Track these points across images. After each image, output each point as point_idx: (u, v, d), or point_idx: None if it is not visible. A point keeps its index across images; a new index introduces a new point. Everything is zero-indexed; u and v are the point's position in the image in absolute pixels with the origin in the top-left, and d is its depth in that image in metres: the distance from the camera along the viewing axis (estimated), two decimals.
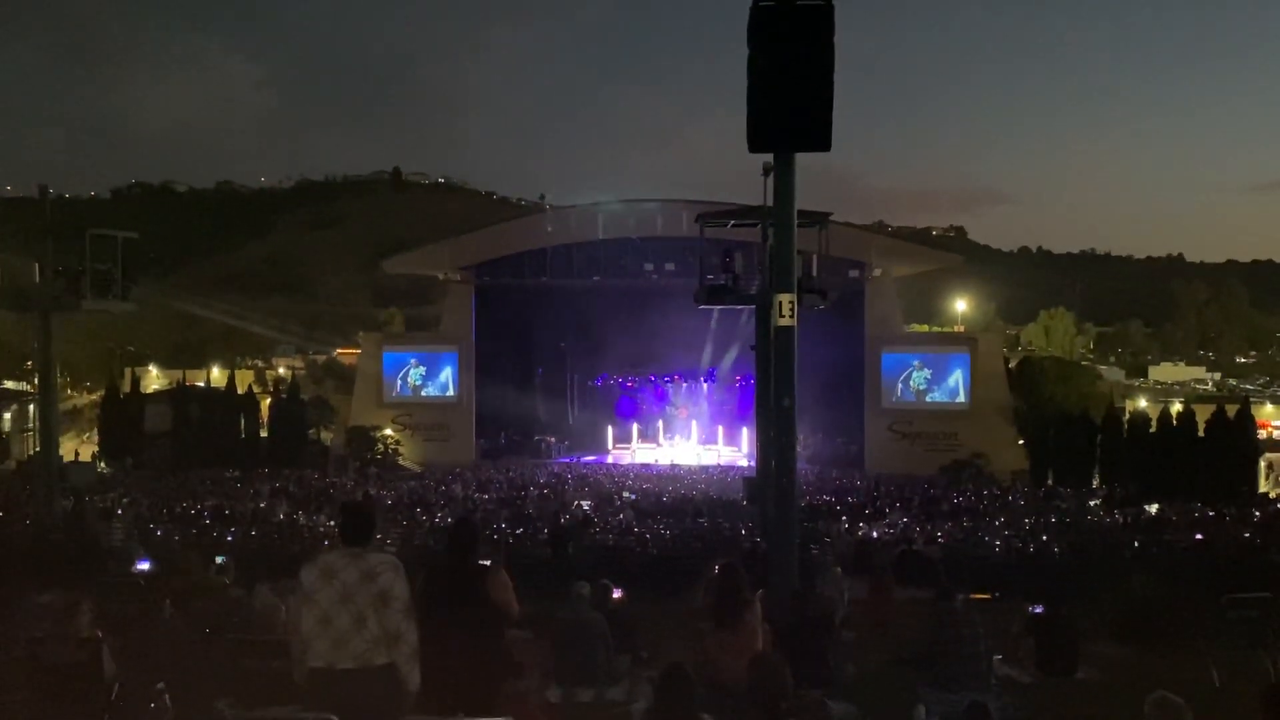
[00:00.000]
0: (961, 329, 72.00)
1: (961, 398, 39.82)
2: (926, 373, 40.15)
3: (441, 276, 43.01)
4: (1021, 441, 38.41)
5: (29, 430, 43.30)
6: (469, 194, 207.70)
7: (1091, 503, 26.32)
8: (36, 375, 23.22)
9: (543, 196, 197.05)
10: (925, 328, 73.95)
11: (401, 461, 40.09)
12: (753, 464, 29.60)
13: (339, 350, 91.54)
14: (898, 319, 42.53)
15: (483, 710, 4.16)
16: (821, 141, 7.12)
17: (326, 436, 45.22)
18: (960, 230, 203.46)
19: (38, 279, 17.79)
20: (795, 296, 7.61)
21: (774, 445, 8.21)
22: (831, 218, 22.42)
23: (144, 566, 8.39)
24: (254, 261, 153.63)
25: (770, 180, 13.66)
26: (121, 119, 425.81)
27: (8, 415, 46.77)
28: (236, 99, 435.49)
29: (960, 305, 79.97)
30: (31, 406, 40.90)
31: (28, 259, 18.54)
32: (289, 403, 44.07)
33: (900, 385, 40.18)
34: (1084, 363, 69.79)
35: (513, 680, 4.91)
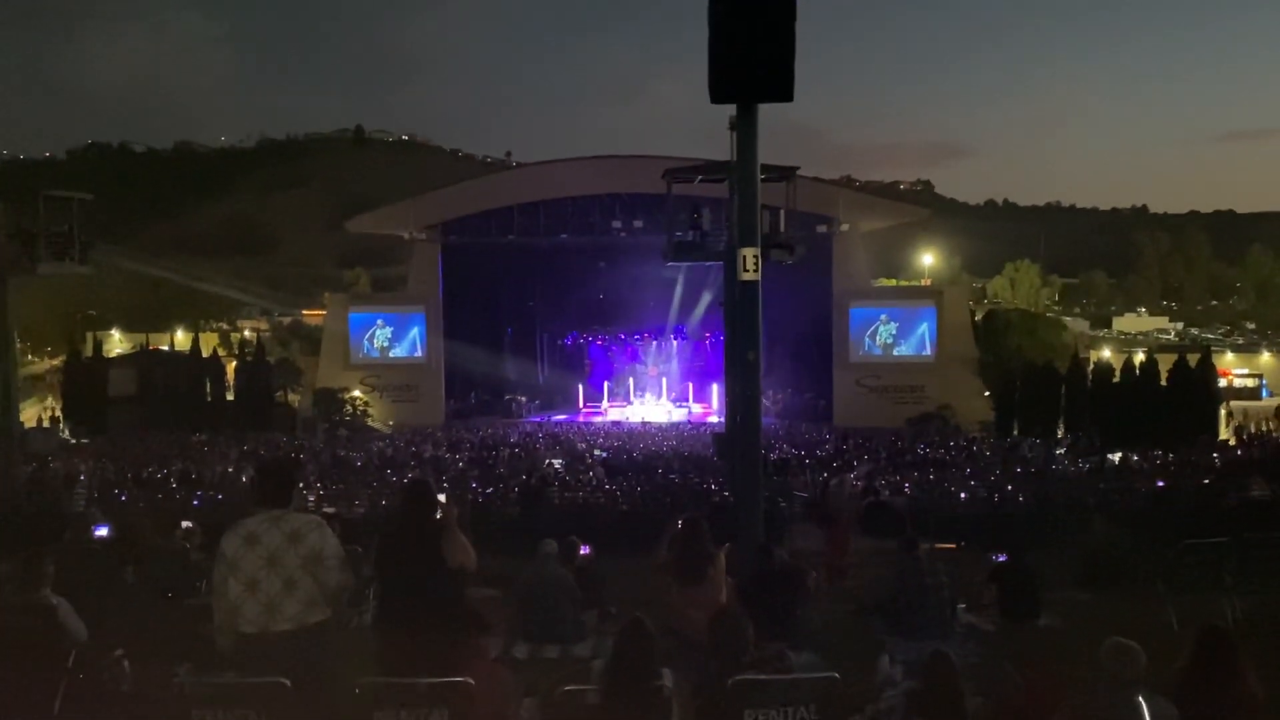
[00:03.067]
0: (928, 282, 72.36)
1: (928, 351, 40.13)
2: (893, 326, 40.38)
3: (407, 236, 42.54)
4: (987, 393, 38.81)
5: None
6: (433, 151, 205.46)
7: (1057, 452, 26.66)
8: None
9: (508, 154, 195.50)
10: (893, 282, 74.30)
11: (370, 423, 39.91)
12: (722, 420, 29.74)
13: (304, 312, 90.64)
14: (865, 273, 42.63)
15: (444, 670, 4.13)
16: (783, 92, 7.03)
17: (294, 399, 44.82)
18: (927, 184, 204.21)
19: None
20: (759, 251, 7.55)
21: (739, 399, 8.20)
22: (799, 172, 22.30)
23: (102, 532, 8.29)
24: (215, 222, 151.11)
25: (735, 135, 13.57)
26: (76, 77, 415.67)
27: None
28: (195, 56, 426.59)
29: (927, 259, 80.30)
30: None
31: None
32: (255, 365, 43.59)
33: (867, 339, 40.40)
34: (1049, 314, 70.37)
35: (476, 638, 4.89)
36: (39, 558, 5.95)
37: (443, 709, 3.92)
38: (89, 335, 55.92)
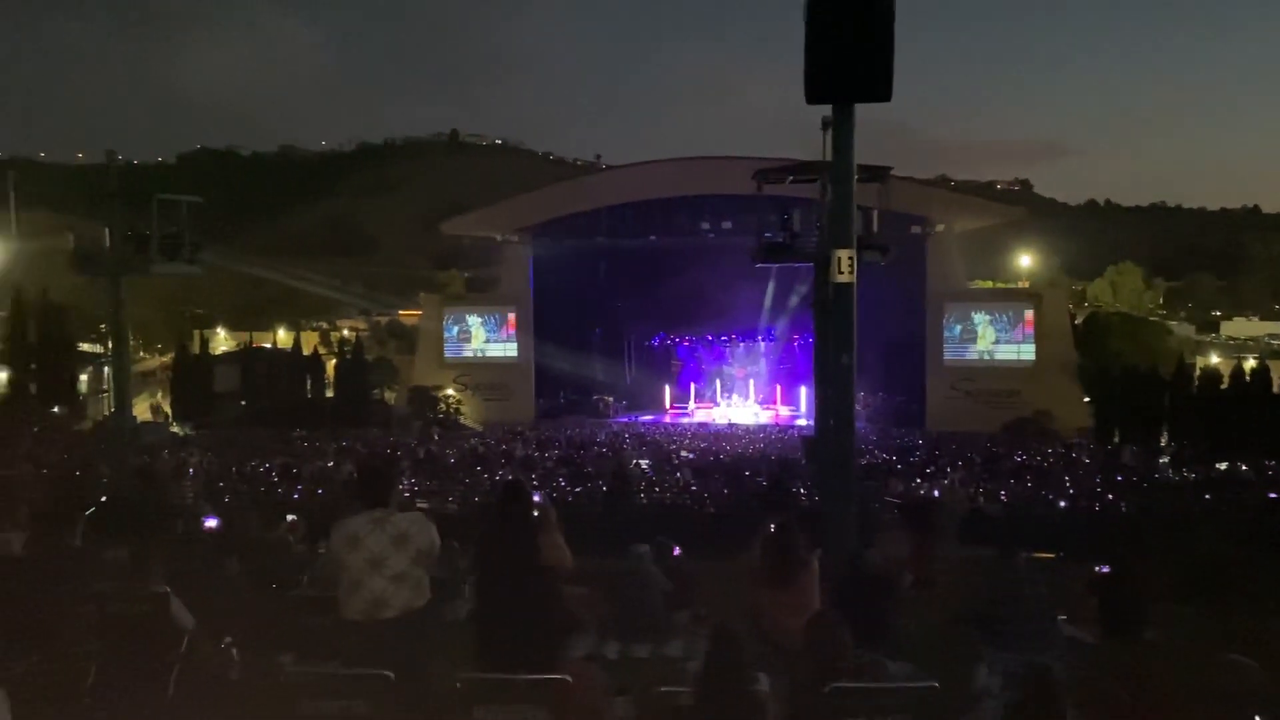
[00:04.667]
0: (1026, 285, 70.46)
1: (1025, 355, 39.10)
2: (990, 330, 39.46)
3: (499, 238, 43.20)
4: (1087, 399, 37.63)
5: (104, 391, 44.58)
6: (525, 155, 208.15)
7: (1160, 461, 25.72)
8: (110, 338, 23.82)
9: (598, 156, 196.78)
10: (989, 284, 72.50)
11: (463, 421, 40.63)
12: (811, 423, 29.42)
13: (401, 311, 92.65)
14: (960, 275, 41.76)
15: (541, 667, 4.18)
16: (882, 92, 6.93)
17: (390, 396, 45.94)
18: (1025, 183, 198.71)
19: (107, 244, 18.15)
20: (854, 252, 7.45)
21: (833, 403, 8.10)
22: (892, 172, 21.92)
23: (211, 523, 8.59)
24: (316, 224, 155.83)
25: (829, 134, 13.40)
26: (187, 85, 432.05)
27: (84, 377, 48.16)
28: (298, 63, 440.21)
29: (1025, 260, 78.22)
30: (106, 368, 42.07)
31: (98, 224, 18.93)
32: (353, 363, 44.80)
33: (962, 343, 39.56)
34: (1152, 318, 67.96)
35: (570, 637, 4.95)
36: (151, 547, 6.21)
37: (539, 705, 3.97)
38: (196, 333, 58.18)
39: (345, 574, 4.29)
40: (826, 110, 9.77)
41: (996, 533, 11.69)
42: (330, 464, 23.24)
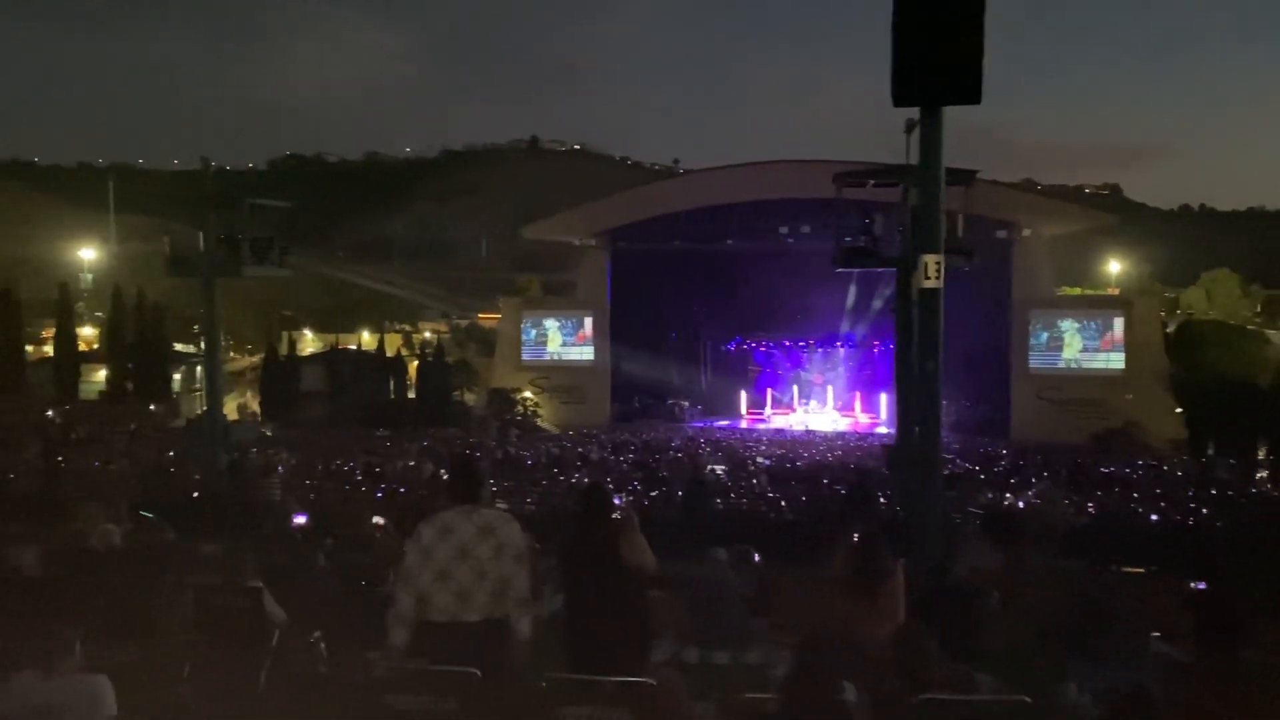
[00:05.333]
0: (1116, 292, 68.42)
1: (1115, 364, 37.98)
2: (1077, 338, 38.44)
3: (577, 242, 43.50)
4: (1179, 410, 36.37)
5: (196, 390, 46.06)
6: (603, 160, 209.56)
7: (1258, 475, 24.73)
8: (202, 338, 24.59)
9: (676, 160, 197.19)
10: (1077, 290, 70.59)
11: (540, 423, 41.00)
12: (892, 431, 29.00)
13: (481, 315, 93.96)
14: (1047, 281, 40.75)
15: (624, 670, 4.18)
16: (971, 94, 6.80)
17: (469, 398, 46.62)
18: (1115, 188, 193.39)
19: (202, 247, 18.75)
20: (942, 257, 7.32)
21: (917, 411, 7.97)
22: (978, 175, 21.51)
23: (301, 520, 8.81)
24: (400, 229, 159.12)
25: (913, 137, 13.18)
26: (278, 93, 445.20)
27: (177, 376, 49.88)
28: (383, 72, 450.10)
29: (1115, 267, 75.97)
30: (198, 368, 43.43)
31: (192, 228, 19.57)
32: (434, 365, 45.64)
33: (1049, 350, 38.59)
34: (1249, 327, 65.34)
35: (652, 640, 4.95)
36: (244, 543, 6.41)
37: (624, 708, 3.97)
38: (285, 335, 59.81)
39: (432, 564, 4.35)
40: (909, 113, 9.63)
41: (1085, 545, 11.37)
42: (412, 463, 23.63)
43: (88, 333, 56.82)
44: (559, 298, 51.62)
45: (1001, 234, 37.02)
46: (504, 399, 42.07)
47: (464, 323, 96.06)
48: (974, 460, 28.19)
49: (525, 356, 44.34)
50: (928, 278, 7.27)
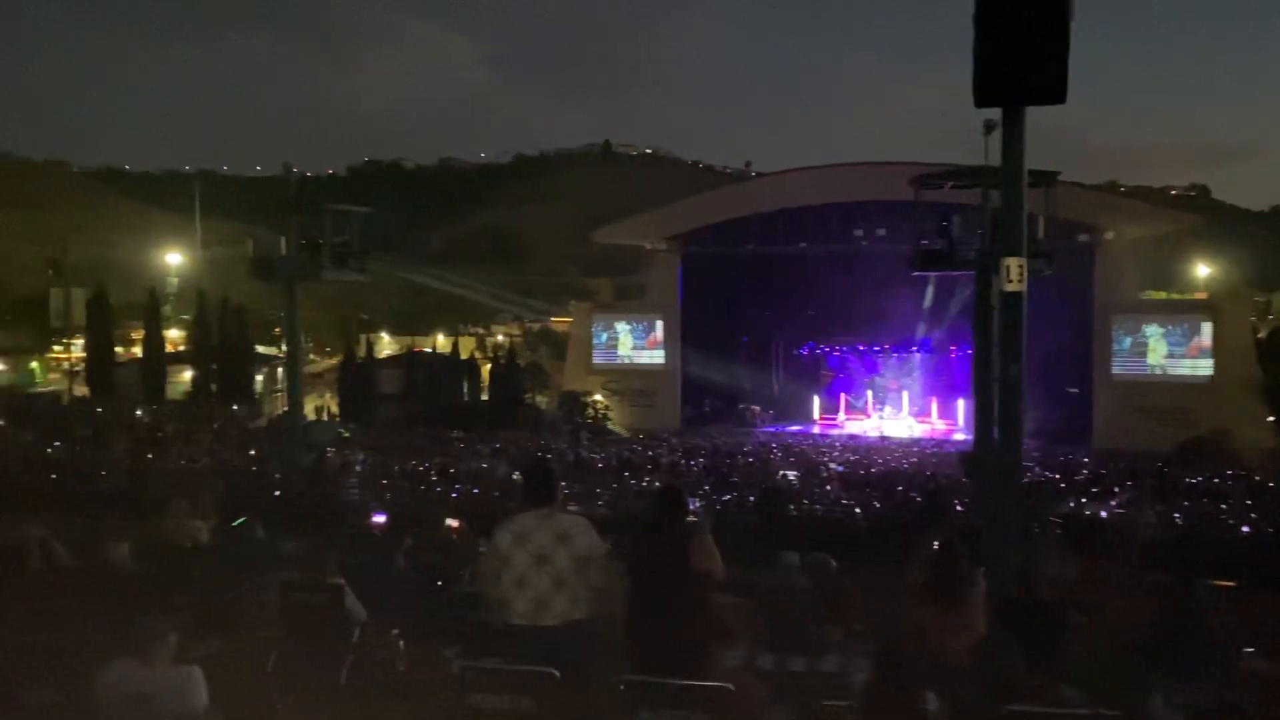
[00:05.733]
0: (1203, 296, 66.22)
1: (1202, 370, 36.76)
2: (1163, 343, 37.31)
3: (649, 246, 43.59)
4: (1271, 419, 35.04)
5: (277, 391, 47.25)
6: (675, 164, 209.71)
7: None
8: (284, 341, 25.18)
9: (748, 164, 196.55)
10: (1162, 295, 68.44)
11: (610, 426, 41.15)
12: (969, 437, 28.46)
13: (553, 318, 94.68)
14: (1131, 285, 39.63)
15: (693, 674, 4.17)
16: (1056, 93, 6.63)
17: (541, 400, 47.04)
18: (1203, 188, 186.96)
19: (284, 252, 19.21)
20: (1025, 261, 7.16)
21: (998, 417, 7.80)
22: (1059, 177, 21.02)
23: (380, 520, 8.95)
24: (473, 233, 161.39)
25: (992, 138, 12.91)
26: (357, 101, 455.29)
27: (259, 377, 51.22)
28: (459, 78, 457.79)
29: (1202, 270, 73.47)
30: (279, 369, 44.53)
31: (275, 233, 20.06)
32: (507, 368, 46.20)
33: (1133, 356, 37.52)
34: None
35: (722, 645, 4.93)
36: (326, 542, 6.54)
37: (702, 712, 3.96)
38: (362, 338, 61.07)
39: (510, 570, 4.38)
40: (988, 113, 9.42)
41: (1171, 557, 11.02)
42: (484, 465, 23.91)
43: (174, 335, 58.65)
44: (630, 301, 51.79)
45: (1083, 237, 36.12)
46: (575, 402, 42.35)
47: (536, 326, 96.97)
48: (1054, 468, 27.54)
49: (596, 360, 44.57)
50: (1010, 281, 7.11)
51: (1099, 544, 11.16)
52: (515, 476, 20.86)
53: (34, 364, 59.35)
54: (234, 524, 7.59)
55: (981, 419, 17.34)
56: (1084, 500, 19.12)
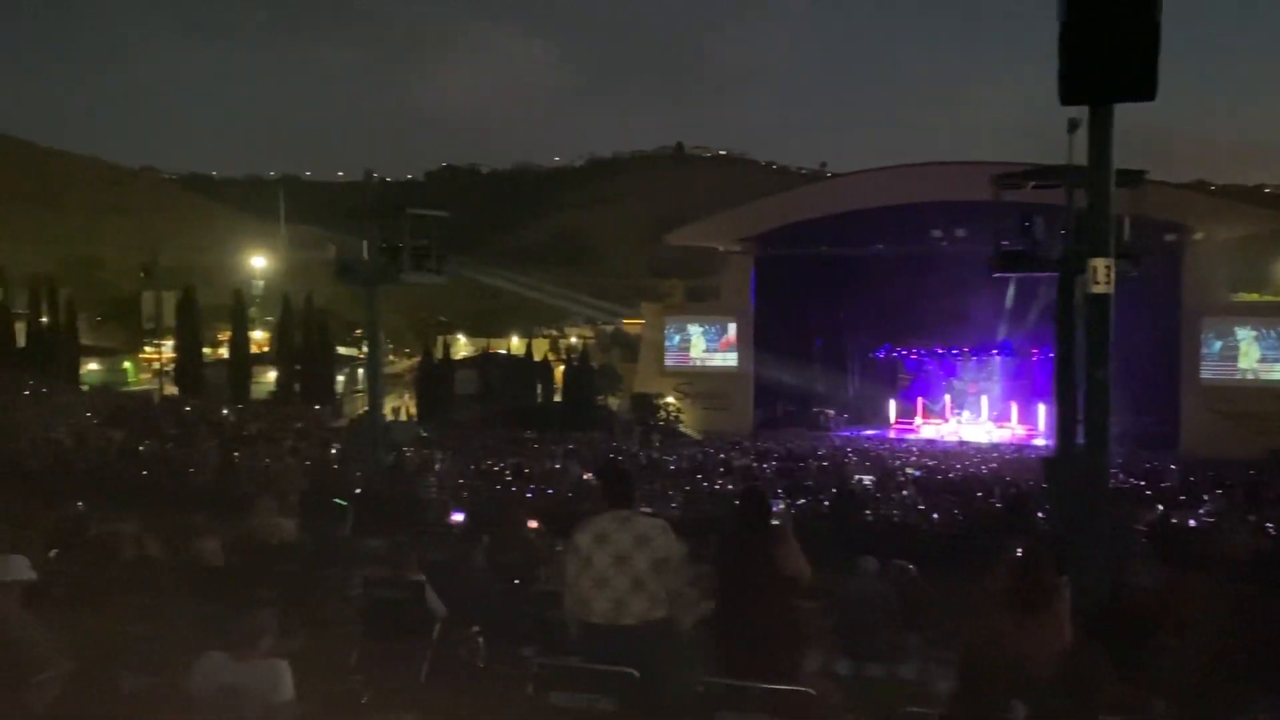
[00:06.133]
0: None
1: None
2: (1255, 347, 35.99)
3: (722, 248, 43.49)
4: None
5: (358, 391, 48.27)
6: (749, 165, 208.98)
7: None
8: (364, 342, 25.71)
9: (823, 164, 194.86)
10: (1254, 296, 66.09)
11: (682, 428, 41.14)
12: (1050, 443, 27.80)
13: (625, 320, 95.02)
14: (1221, 287, 38.32)
15: (777, 678, 4.15)
16: (1146, 90, 6.45)
17: (613, 402, 47.24)
18: None
19: (365, 255, 19.61)
20: (1112, 262, 6.98)
21: (1084, 422, 7.62)
22: (1146, 176, 20.41)
23: (458, 518, 9.09)
24: (548, 236, 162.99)
25: (1075, 137, 12.60)
26: (434, 107, 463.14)
27: (340, 378, 52.36)
28: (534, 83, 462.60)
29: None
30: (360, 370, 45.49)
31: (356, 237, 20.50)
32: (580, 370, 46.46)
33: (1223, 360, 36.26)
34: None
35: (807, 649, 4.90)
36: (407, 539, 6.67)
37: (781, 716, 3.94)
38: (439, 339, 62.05)
39: (590, 570, 4.41)
40: (1070, 111, 9.19)
41: (1264, 568, 10.62)
42: (558, 466, 24.10)
43: (259, 336, 60.29)
44: (702, 303, 51.73)
45: (1171, 238, 35.04)
46: (647, 404, 42.46)
47: (609, 328, 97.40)
48: (1139, 475, 26.78)
49: (668, 362, 44.60)
50: (1097, 283, 6.94)
51: (1187, 554, 10.82)
52: (587, 478, 21.02)
53: (127, 364, 61.48)
54: (334, 500, 7.79)
55: (1064, 424, 16.94)
56: (1171, 509, 18.55)
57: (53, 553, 7.78)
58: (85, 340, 54.23)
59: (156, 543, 7.90)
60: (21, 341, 47.84)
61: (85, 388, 44.35)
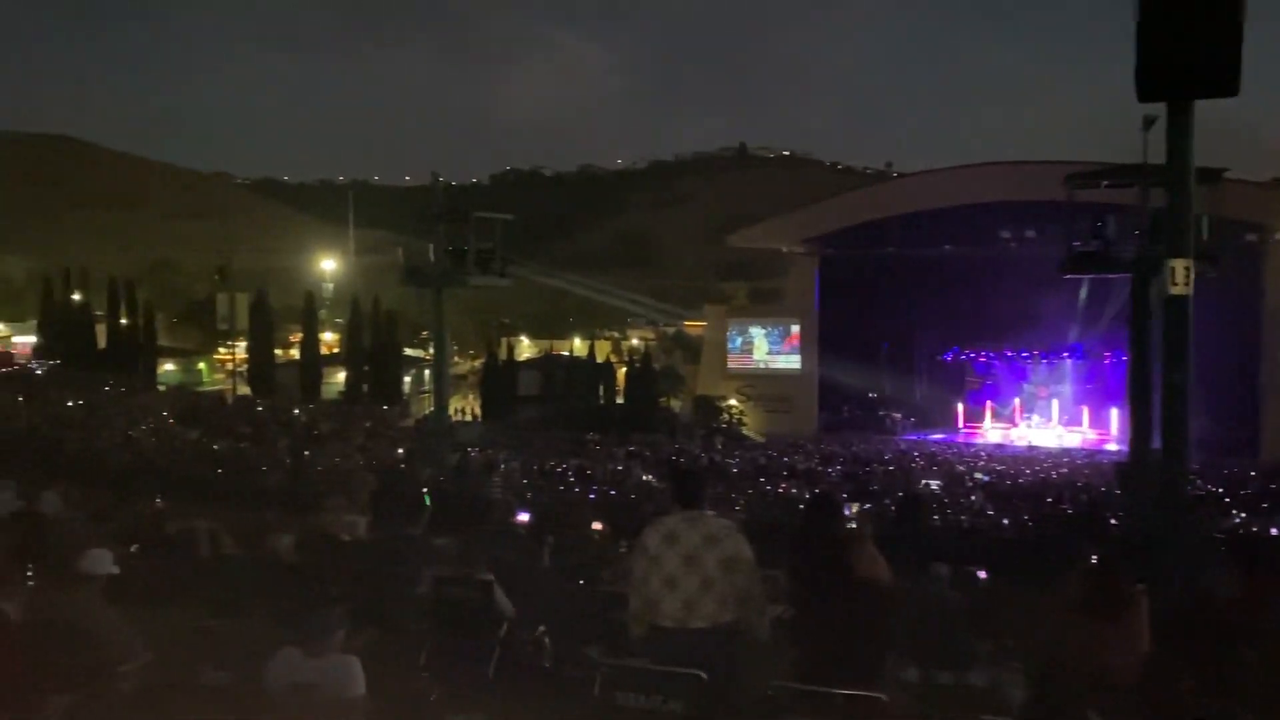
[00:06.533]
0: None
1: None
2: None
3: (785, 249, 43.26)
4: None
5: (424, 392, 48.89)
6: (813, 165, 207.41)
7: None
8: (430, 343, 26.05)
9: (889, 164, 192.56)
10: None
11: (745, 431, 40.98)
12: (1124, 448, 27.16)
13: (687, 322, 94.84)
14: None
15: (854, 684, 4.10)
16: (1228, 85, 6.26)
17: (675, 404, 47.22)
18: None
19: (432, 258, 19.90)
20: (1191, 262, 6.79)
21: (1162, 427, 7.42)
22: (1225, 174, 19.82)
23: (524, 518, 9.13)
24: (610, 239, 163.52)
25: (1151, 134, 12.27)
26: (499, 111, 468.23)
27: (407, 379, 53.12)
28: (597, 86, 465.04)
29: None
30: (426, 371, 46.07)
31: (423, 240, 20.81)
32: (642, 372, 46.53)
33: None
34: None
35: (887, 654, 4.84)
36: (475, 538, 6.72)
37: None
38: (503, 341, 62.63)
39: (659, 571, 4.41)
40: (1145, 109, 8.95)
41: None
42: (620, 468, 24.17)
43: (329, 337, 61.43)
44: (765, 305, 51.44)
45: (1251, 237, 34.01)
46: (709, 406, 42.38)
47: (671, 330, 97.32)
48: (1218, 482, 26.01)
49: (731, 364, 44.45)
50: (1175, 284, 6.75)
51: (1267, 563, 10.47)
52: (649, 479, 21.06)
53: (201, 364, 63.12)
54: (419, 493, 7.90)
55: (1138, 429, 16.52)
56: (1251, 516, 18.00)
57: (133, 548, 8.01)
58: (162, 341, 55.81)
59: (232, 539, 8.10)
60: (102, 343, 49.38)
61: (162, 388, 45.62)
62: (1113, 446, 35.40)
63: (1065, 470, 29.08)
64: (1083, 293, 36.00)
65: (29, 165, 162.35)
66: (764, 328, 44.52)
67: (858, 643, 4.40)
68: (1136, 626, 5.22)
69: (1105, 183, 20.34)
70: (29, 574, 6.54)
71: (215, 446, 22.86)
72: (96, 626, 5.08)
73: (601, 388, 47.17)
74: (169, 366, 57.37)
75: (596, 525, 8.95)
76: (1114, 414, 37.18)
